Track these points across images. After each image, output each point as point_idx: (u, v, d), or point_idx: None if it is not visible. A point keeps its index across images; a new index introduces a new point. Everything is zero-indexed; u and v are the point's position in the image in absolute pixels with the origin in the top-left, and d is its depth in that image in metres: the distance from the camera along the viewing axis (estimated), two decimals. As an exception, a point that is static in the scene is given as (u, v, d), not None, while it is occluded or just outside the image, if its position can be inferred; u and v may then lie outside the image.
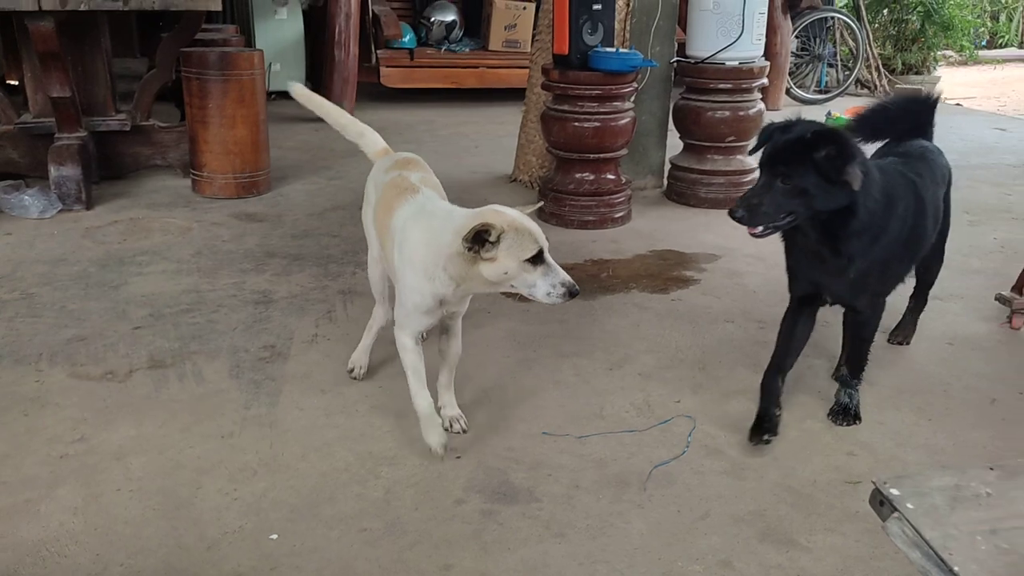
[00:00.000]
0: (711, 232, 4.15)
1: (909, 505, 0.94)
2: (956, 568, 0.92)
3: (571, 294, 1.92)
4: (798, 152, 2.01)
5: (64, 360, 2.69)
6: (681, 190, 4.74)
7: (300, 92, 2.74)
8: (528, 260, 1.91)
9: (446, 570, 1.83)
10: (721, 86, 4.54)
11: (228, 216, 4.21)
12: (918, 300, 2.92)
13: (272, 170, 4.73)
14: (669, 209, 4.64)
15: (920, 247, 2.40)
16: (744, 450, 2.28)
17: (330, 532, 1.93)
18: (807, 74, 8.61)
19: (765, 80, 4.62)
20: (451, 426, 2.31)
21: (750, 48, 4.52)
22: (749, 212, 2.05)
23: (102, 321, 2.97)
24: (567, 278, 1.93)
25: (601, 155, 4.17)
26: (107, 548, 1.86)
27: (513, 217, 1.95)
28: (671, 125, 4.84)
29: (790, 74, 8.21)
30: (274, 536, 1.91)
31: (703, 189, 4.65)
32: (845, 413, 2.43)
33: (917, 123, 2.64)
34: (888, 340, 2.90)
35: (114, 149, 4.61)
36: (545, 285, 1.92)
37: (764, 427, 2.28)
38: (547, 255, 1.94)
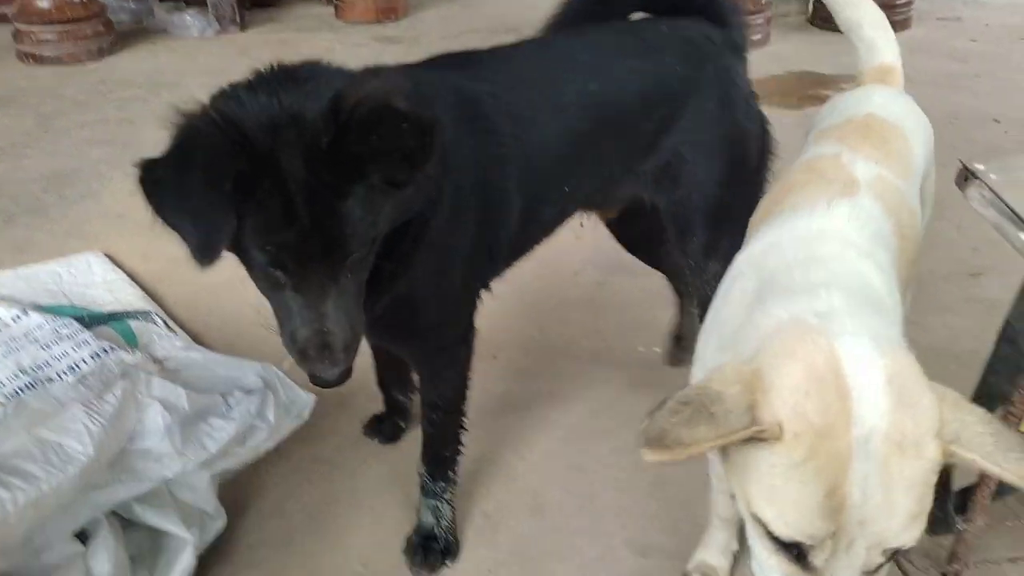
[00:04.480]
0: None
1: (992, 176, 0.99)
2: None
3: None
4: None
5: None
6: (828, 15, 4.40)
7: None
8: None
9: (563, 324, 2.02)
10: None
11: (369, 39, 4.38)
12: None
13: (409, -4, 4.83)
14: (814, 35, 4.45)
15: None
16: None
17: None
18: None
19: None
20: None
21: None
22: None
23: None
24: None
25: (741, -28, 4.00)
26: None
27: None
28: (820, -57, 4.56)
29: None
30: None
31: (852, 11, 4.39)
32: (425, 551, 1.44)
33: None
34: None
35: (263, -25, 4.82)
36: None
37: None
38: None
